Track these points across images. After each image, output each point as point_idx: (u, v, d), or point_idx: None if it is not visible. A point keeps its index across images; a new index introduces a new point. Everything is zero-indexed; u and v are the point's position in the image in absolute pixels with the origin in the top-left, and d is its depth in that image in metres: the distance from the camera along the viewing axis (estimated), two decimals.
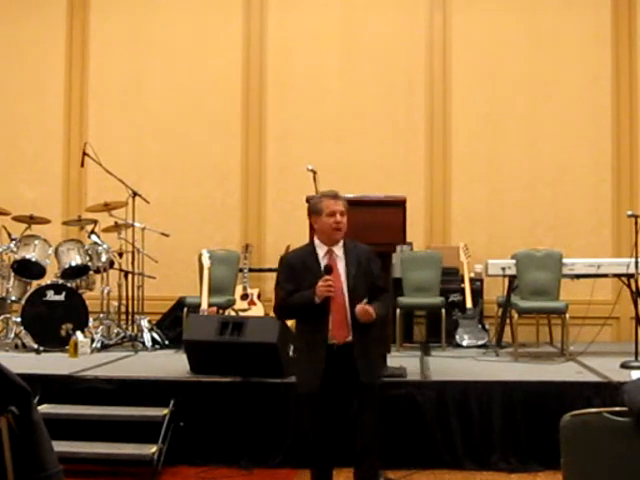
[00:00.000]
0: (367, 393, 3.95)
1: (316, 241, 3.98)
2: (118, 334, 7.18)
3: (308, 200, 4.20)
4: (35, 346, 6.68)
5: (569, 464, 2.09)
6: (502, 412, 5.04)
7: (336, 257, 3.95)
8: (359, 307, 3.83)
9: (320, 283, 3.79)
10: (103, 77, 8.67)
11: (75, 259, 7.12)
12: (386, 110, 8.39)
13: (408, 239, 5.91)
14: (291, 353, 5.42)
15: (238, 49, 8.57)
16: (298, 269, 3.90)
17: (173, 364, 5.93)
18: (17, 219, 7.37)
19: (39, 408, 4.80)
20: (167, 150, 8.54)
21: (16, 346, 6.92)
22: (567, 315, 6.49)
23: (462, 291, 7.50)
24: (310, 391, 3.88)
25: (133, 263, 7.41)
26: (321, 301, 3.80)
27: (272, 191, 8.48)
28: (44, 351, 6.64)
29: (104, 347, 6.86)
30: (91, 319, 6.95)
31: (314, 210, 3.98)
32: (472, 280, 7.58)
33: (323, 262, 3.90)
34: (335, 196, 3.99)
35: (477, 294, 7.59)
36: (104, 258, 7.23)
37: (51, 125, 8.65)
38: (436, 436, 5.02)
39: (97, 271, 7.27)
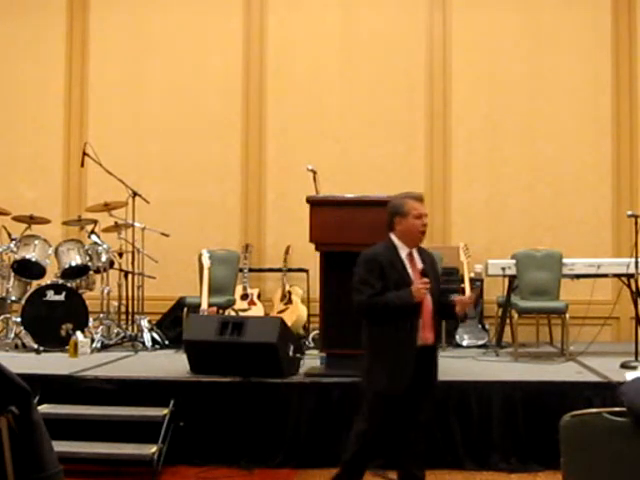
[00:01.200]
0: (433, 395, 3.99)
1: (396, 241, 3.91)
2: (118, 334, 7.18)
3: (388, 201, 4.10)
4: (35, 346, 6.67)
5: (569, 464, 2.09)
6: (502, 412, 5.04)
7: (417, 259, 3.94)
8: (465, 297, 3.92)
9: (420, 285, 3.76)
10: (103, 77, 8.66)
11: (75, 259, 7.12)
12: (386, 110, 8.39)
13: None
14: (291, 353, 5.43)
15: (238, 48, 8.57)
16: (386, 267, 3.83)
17: (173, 364, 5.93)
18: (17, 219, 7.37)
19: (39, 408, 4.80)
20: (167, 150, 8.54)
21: (16, 346, 6.92)
22: (567, 315, 6.49)
23: (462, 291, 7.50)
24: (395, 392, 3.81)
25: (133, 263, 7.41)
26: (418, 301, 3.78)
27: (272, 191, 8.48)
28: (44, 351, 6.64)
29: (104, 347, 6.86)
30: (91, 319, 6.95)
31: (398, 212, 3.91)
32: (472, 280, 7.58)
33: (406, 262, 3.87)
34: (420, 198, 3.97)
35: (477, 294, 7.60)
36: (104, 258, 7.23)
37: (51, 125, 8.65)
38: (436, 436, 5.01)
39: (97, 271, 7.27)
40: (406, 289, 3.77)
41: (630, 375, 2.10)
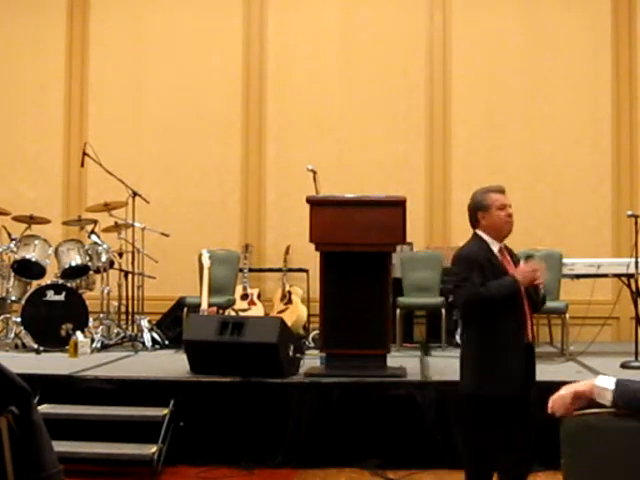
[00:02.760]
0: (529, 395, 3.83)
1: (485, 237, 3.85)
2: (118, 334, 7.18)
3: (472, 197, 4.05)
4: (35, 346, 6.67)
5: (569, 464, 2.09)
6: None
7: (506, 254, 3.89)
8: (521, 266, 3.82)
9: (526, 267, 3.73)
10: (103, 77, 8.66)
11: (75, 259, 7.11)
12: (386, 110, 8.39)
13: (408, 239, 5.92)
14: (291, 353, 5.43)
15: (238, 49, 8.57)
16: (485, 265, 3.76)
17: (173, 364, 5.93)
18: (17, 219, 7.37)
19: (39, 408, 4.80)
20: (167, 150, 8.54)
21: (16, 346, 6.91)
22: (567, 315, 6.49)
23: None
24: (515, 393, 3.69)
25: (133, 263, 7.41)
26: (525, 286, 3.72)
27: (272, 191, 8.48)
28: (44, 351, 6.64)
29: (104, 347, 6.86)
30: (91, 319, 6.95)
31: (480, 206, 3.87)
32: None
33: (501, 258, 3.82)
34: (501, 190, 3.95)
35: None
36: (104, 258, 7.23)
37: (51, 125, 8.65)
38: (436, 436, 5.01)
39: (97, 271, 7.27)
40: (506, 277, 3.69)
41: (601, 380, 2.09)
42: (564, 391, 2.13)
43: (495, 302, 3.70)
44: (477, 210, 3.88)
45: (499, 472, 3.81)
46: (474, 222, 3.90)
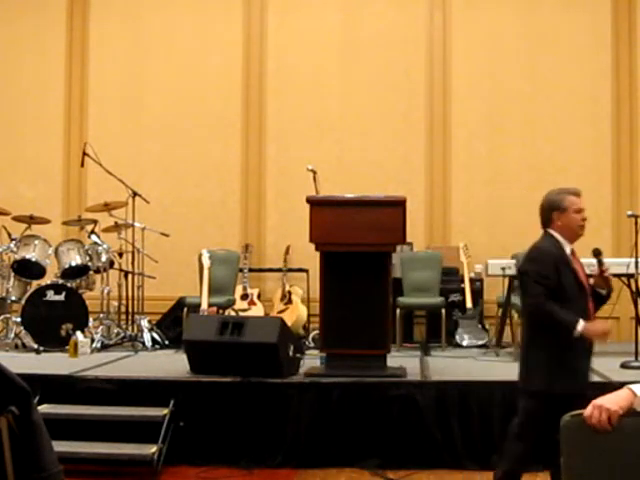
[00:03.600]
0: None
1: (559, 237, 3.87)
2: (118, 334, 7.18)
3: (546, 196, 4.08)
4: (35, 346, 6.67)
5: (569, 464, 2.09)
6: (502, 412, 5.03)
7: (577, 256, 3.90)
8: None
9: (601, 328, 3.71)
10: (103, 77, 8.66)
11: (75, 259, 7.11)
12: (386, 110, 8.39)
13: (408, 239, 5.93)
14: (291, 353, 5.43)
15: (238, 49, 8.57)
16: (559, 263, 3.78)
17: (173, 364, 5.93)
18: (17, 219, 7.37)
19: (39, 408, 4.80)
20: (167, 150, 8.54)
21: (16, 346, 6.92)
22: None
23: (462, 291, 7.51)
24: (582, 391, 3.65)
25: (133, 263, 7.41)
26: (589, 338, 3.69)
27: (272, 191, 8.48)
28: (44, 351, 6.64)
29: (104, 347, 6.86)
30: (91, 319, 6.95)
31: (556, 207, 3.90)
32: (472, 280, 7.59)
33: (572, 260, 3.84)
34: (578, 193, 3.97)
35: (477, 294, 7.60)
36: (104, 258, 7.23)
37: (51, 125, 8.65)
38: (436, 436, 5.02)
39: (97, 271, 7.27)
40: (578, 320, 3.64)
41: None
42: (605, 415, 2.04)
43: (552, 324, 3.71)
44: (553, 210, 3.91)
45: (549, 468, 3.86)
46: (547, 221, 3.92)
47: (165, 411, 5.02)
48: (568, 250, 3.88)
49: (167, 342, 7.17)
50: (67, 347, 6.49)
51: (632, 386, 2.08)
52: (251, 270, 8.06)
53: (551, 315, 3.70)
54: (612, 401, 2.04)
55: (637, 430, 2.01)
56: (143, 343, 7.02)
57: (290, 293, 7.93)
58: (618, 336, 7.96)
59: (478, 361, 6.41)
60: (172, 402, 5.07)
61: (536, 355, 3.81)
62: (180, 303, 7.45)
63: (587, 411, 2.06)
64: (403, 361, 5.78)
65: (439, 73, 8.38)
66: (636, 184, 8.20)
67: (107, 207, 7.32)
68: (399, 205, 5.33)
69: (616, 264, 6.60)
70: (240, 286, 7.81)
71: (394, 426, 5.01)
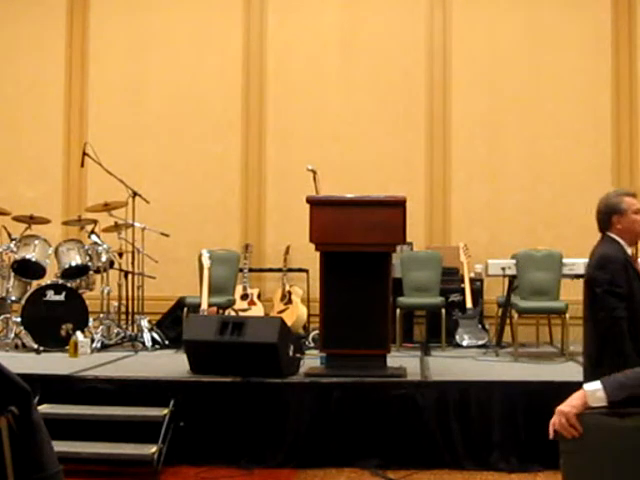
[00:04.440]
0: None
1: (620, 240, 3.74)
2: (118, 334, 7.18)
3: (603, 200, 3.85)
4: (35, 346, 6.67)
5: (569, 464, 2.09)
6: (502, 412, 5.04)
7: (637, 258, 3.85)
8: None
9: None
10: (103, 77, 8.66)
11: (75, 259, 7.11)
12: (386, 110, 8.39)
13: (408, 239, 5.92)
14: (291, 353, 5.43)
15: (238, 49, 8.58)
16: (629, 271, 3.65)
17: (173, 364, 5.93)
18: (17, 219, 7.37)
19: (39, 408, 4.80)
20: (167, 150, 8.55)
21: (16, 346, 6.91)
22: (567, 315, 6.49)
23: (462, 291, 7.51)
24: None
25: (133, 263, 7.41)
26: None
27: (272, 191, 8.48)
28: (44, 351, 6.64)
29: (104, 347, 6.86)
30: (91, 319, 6.95)
31: (615, 209, 3.75)
32: (472, 280, 7.59)
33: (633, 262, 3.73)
34: (634, 194, 3.91)
35: (477, 294, 7.60)
36: (104, 258, 7.23)
37: (51, 125, 8.65)
38: (436, 436, 5.01)
39: (97, 271, 7.27)
40: None
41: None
42: (564, 418, 2.15)
43: (615, 347, 3.55)
44: (612, 213, 3.78)
45: None
46: (607, 225, 3.79)
47: (165, 411, 5.01)
48: (629, 252, 3.77)
49: (167, 342, 7.17)
50: (67, 347, 6.49)
51: (585, 385, 2.14)
52: (251, 270, 8.07)
53: (621, 340, 3.52)
54: (566, 404, 2.14)
55: (635, 430, 2.01)
56: (143, 343, 7.02)
57: (290, 293, 7.93)
58: None
59: (478, 361, 6.40)
60: (172, 402, 5.07)
61: (599, 368, 3.56)
62: (180, 303, 7.45)
63: (552, 420, 2.13)
64: (403, 361, 5.78)
65: (439, 73, 8.39)
66: (636, 184, 8.19)
67: (107, 207, 7.32)
68: (399, 205, 5.32)
69: None
70: (240, 286, 7.82)
71: (394, 426, 5.01)
